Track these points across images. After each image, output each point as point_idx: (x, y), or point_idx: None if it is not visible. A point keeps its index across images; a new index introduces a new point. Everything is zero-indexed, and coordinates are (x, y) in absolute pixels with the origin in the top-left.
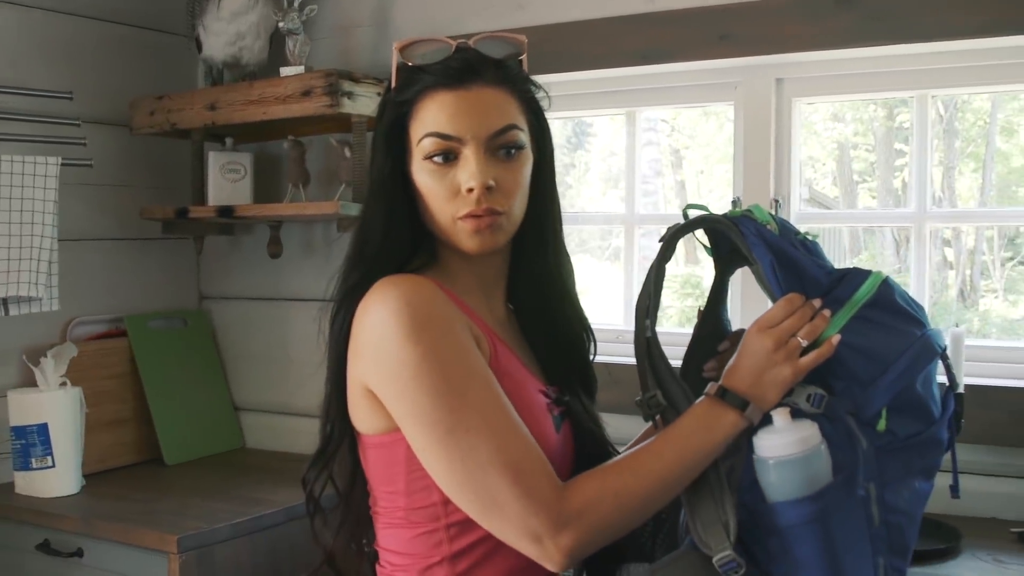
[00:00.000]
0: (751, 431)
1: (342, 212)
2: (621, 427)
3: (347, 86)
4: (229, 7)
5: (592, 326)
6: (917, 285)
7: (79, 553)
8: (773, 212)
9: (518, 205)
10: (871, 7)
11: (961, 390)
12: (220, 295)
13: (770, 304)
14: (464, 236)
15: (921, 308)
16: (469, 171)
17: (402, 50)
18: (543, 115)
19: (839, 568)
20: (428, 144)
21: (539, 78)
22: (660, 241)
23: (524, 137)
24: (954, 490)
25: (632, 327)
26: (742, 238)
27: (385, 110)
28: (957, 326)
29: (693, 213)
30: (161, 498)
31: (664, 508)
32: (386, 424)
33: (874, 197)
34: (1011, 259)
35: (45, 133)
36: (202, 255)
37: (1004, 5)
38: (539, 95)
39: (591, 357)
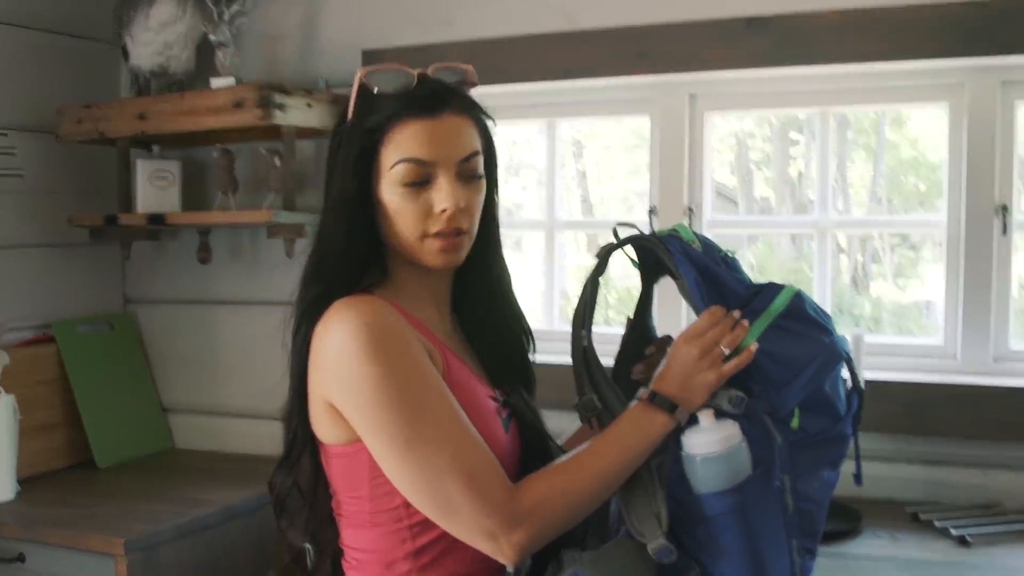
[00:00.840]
0: (679, 430)
1: (275, 220)
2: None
3: (278, 98)
4: (157, 17)
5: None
6: (820, 286)
7: (20, 558)
8: (688, 220)
9: (476, 224)
10: (779, 32)
11: (862, 387)
12: (146, 299)
13: (694, 315)
14: (431, 253)
15: (829, 317)
16: (444, 194)
17: (366, 76)
18: (493, 140)
19: (758, 551)
20: (403, 170)
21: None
22: (595, 257)
23: (481, 162)
24: (857, 478)
25: (556, 328)
26: (669, 255)
27: (350, 135)
28: (857, 325)
29: (623, 231)
30: (100, 502)
31: None
32: (348, 435)
33: (770, 185)
34: (900, 244)
35: None
36: (128, 260)
37: (896, 35)
38: (490, 123)
39: (531, 356)
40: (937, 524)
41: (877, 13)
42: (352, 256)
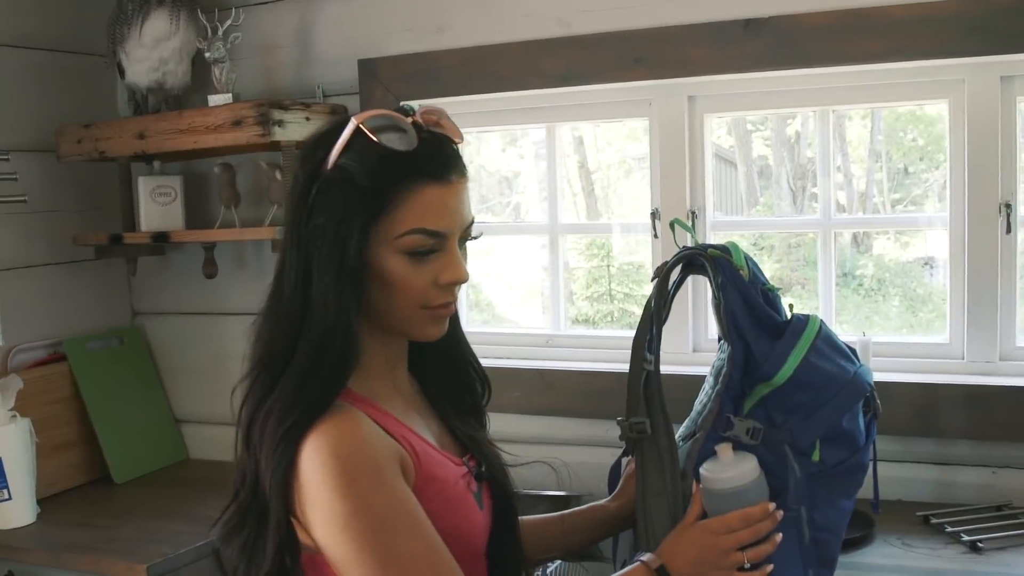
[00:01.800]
0: (699, 461)
1: (278, 237)
2: (558, 429)
3: (277, 115)
4: (151, 33)
5: (528, 332)
6: (824, 282)
7: None
8: (691, 222)
9: None
10: (776, 35)
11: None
12: (153, 311)
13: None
14: (426, 324)
15: (852, 349)
16: (454, 267)
17: (372, 129)
18: None
19: None
20: (415, 240)
21: (460, 99)
22: (652, 280)
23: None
24: (875, 506)
25: (563, 332)
26: (717, 277)
27: (349, 191)
28: (864, 335)
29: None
30: (120, 524)
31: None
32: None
33: (768, 145)
34: (901, 200)
35: None
36: (134, 275)
37: (894, 35)
38: None
39: (485, 403)
40: (948, 529)
41: (874, 14)
42: (349, 336)
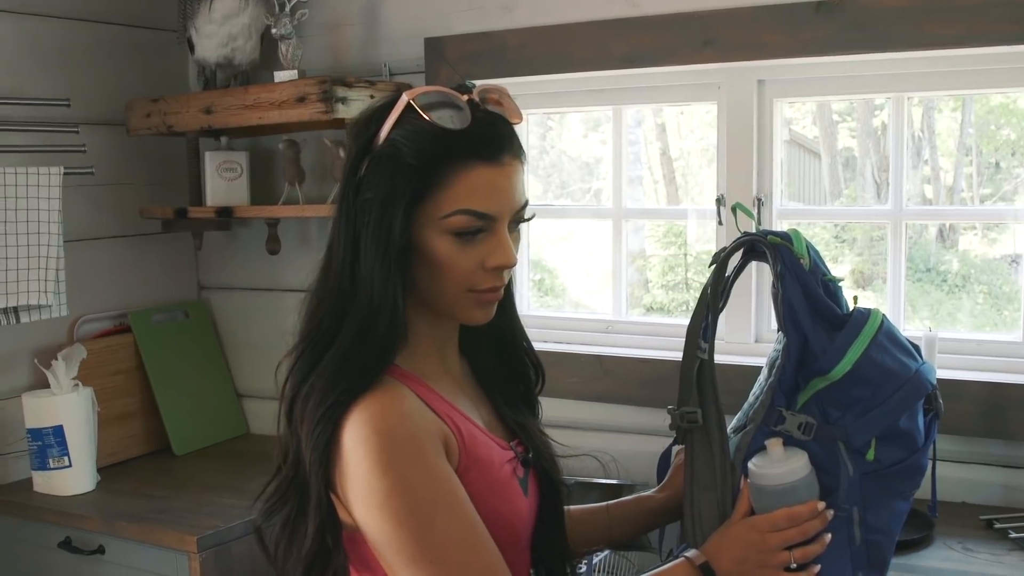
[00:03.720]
0: (748, 455)
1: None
2: (614, 416)
3: (340, 92)
4: (221, 9)
5: (589, 317)
6: (894, 274)
7: (101, 550)
8: (756, 210)
9: None
10: (850, 18)
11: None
12: (219, 286)
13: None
14: (472, 308)
15: (916, 346)
16: (502, 250)
17: (423, 105)
18: None
19: None
20: (462, 221)
21: (525, 79)
22: (710, 266)
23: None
24: (932, 510)
25: (624, 318)
26: (776, 265)
27: (398, 169)
28: (930, 330)
29: (743, 221)
30: (175, 495)
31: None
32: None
33: (854, 136)
34: (991, 196)
35: (45, 142)
36: (200, 249)
37: (972, 19)
38: None
39: (538, 391)
40: (1013, 535)
41: None
42: (396, 313)
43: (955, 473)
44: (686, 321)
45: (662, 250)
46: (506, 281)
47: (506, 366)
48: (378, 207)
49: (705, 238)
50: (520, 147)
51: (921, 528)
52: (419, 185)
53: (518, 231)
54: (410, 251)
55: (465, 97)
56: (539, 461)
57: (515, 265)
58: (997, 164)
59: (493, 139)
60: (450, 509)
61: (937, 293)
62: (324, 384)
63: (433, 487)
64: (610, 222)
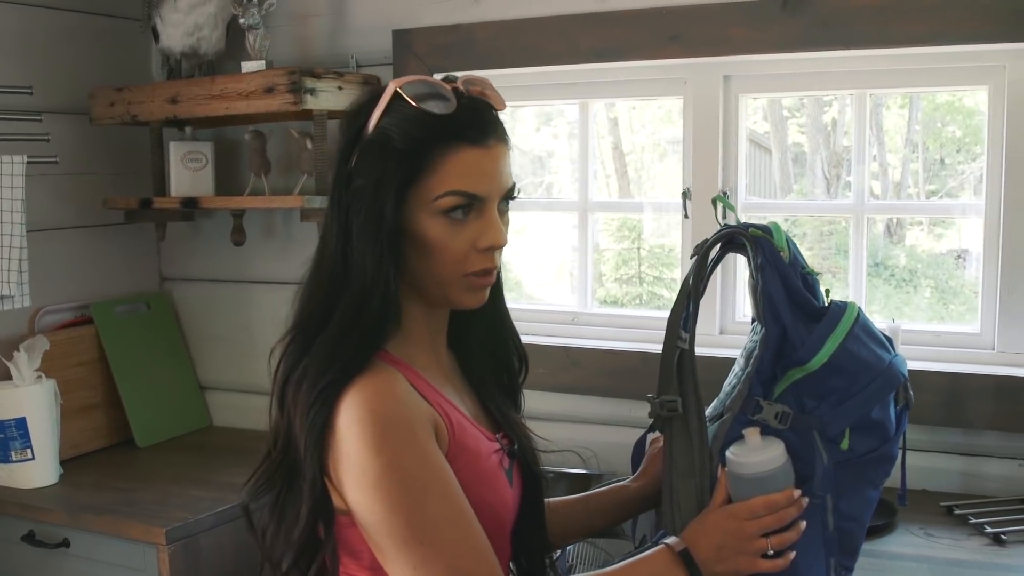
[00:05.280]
0: (726, 444)
1: (306, 206)
2: (582, 407)
3: (309, 83)
4: None
5: (555, 309)
6: (856, 268)
7: (66, 544)
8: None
9: None
10: (816, 15)
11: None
12: (182, 277)
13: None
14: (466, 292)
15: (889, 338)
16: (492, 230)
17: (410, 92)
18: None
19: (795, 567)
20: (452, 202)
21: (493, 72)
22: (691, 257)
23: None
24: (901, 499)
25: (590, 310)
26: (757, 258)
27: (386, 154)
28: (894, 321)
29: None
30: (141, 487)
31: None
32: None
33: (802, 132)
34: (936, 192)
35: (7, 131)
36: (163, 240)
37: (936, 19)
38: None
39: (521, 381)
40: (972, 520)
41: None
42: (388, 297)
43: (916, 461)
44: (649, 313)
45: (615, 244)
46: (497, 264)
47: (493, 357)
48: (369, 193)
49: (659, 233)
50: (504, 132)
51: (884, 515)
52: (409, 169)
53: (508, 213)
54: (402, 235)
55: (450, 86)
56: (523, 454)
57: (506, 245)
58: (942, 160)
59: (478, 123)
60: (442, 491)
61: (885, 287)
62: (317, 367)
63: (426, 469)
64: (567, 215)
